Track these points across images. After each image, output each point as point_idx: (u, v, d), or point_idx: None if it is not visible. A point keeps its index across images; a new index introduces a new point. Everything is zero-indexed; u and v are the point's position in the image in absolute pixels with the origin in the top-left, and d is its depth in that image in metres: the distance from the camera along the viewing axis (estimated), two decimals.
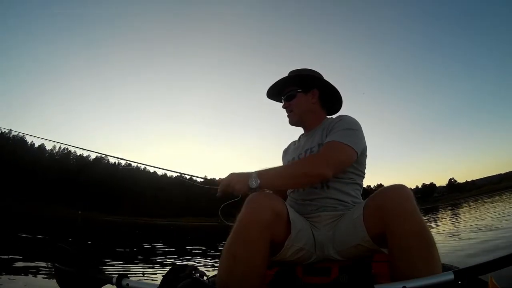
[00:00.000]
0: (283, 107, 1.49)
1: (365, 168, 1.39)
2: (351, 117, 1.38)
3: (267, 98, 1.55)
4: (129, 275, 1.20)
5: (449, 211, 18.40)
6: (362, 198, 1.34)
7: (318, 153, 1.27)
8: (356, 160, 1.28)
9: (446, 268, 1.03)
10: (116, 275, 1.19)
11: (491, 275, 0.87)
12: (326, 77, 1.50)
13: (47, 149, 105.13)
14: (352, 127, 1.30)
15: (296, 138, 1.61)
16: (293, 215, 1.12)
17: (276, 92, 1.51)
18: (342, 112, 1.53)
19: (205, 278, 1.05)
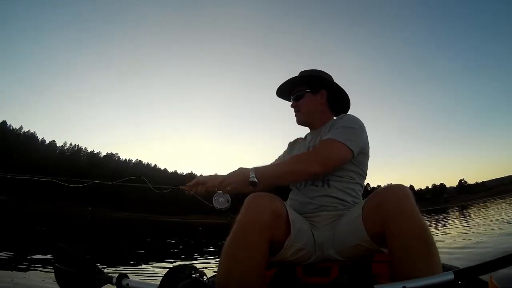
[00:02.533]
0: (292, 106, 1.55)
1: (367, 168, 1.41)
2: (352, 115, 1.41)
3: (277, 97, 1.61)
4: (129, 275, 1.23)
5: (453, 214, 18.22)
6: (363, 198, 1.36)
7: (310, 151, 1.34)
8: (352, 158, 1.31)
9: (446, 268, 1.04)
10: (116, 275, 1.21)
11: (491, 275, 0.89)
12: (334, 75, 1.54)
13: (58, 145, 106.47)
14: (350, 125, 1.33)
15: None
16: (292, 215, 1.15)
17: (286, 91, 1.56)
18: (350, 112, 1.57)
19: (204, 278, 1.08)
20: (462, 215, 14.48)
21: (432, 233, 0.98)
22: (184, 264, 1.11)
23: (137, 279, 1.37)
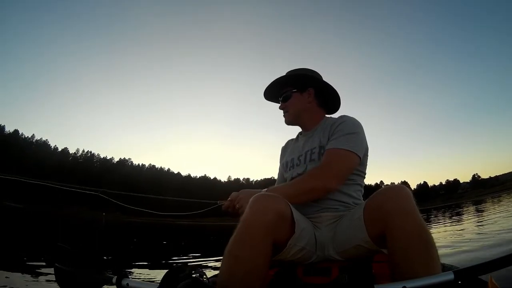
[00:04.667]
0: (280, 108, 1.56)
1: (366, 168, 1.44)
2: (352, 118, 1.43)
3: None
4: (129, 275, 1.26)
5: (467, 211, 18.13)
6: (364, 198, 1.39)
7: (321, 165, 1.33)
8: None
9: (446, 268, 1.07)
10: (116, 275, 1.24)
11: (491, 275, 0.91)
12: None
13: (71, 152, 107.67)
14: (353, 131, 1.36)
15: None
16: (297, 215, 1.17)
17: (273, 94, 1.58)
18: (344, 111, 1.57)
19: (205, 278, 1.11)
20: (474, 212, 14.43)
21: (434, 232, 1.01)
22: (184, 264, 1.13)
23: (137, 279, 1.41)
